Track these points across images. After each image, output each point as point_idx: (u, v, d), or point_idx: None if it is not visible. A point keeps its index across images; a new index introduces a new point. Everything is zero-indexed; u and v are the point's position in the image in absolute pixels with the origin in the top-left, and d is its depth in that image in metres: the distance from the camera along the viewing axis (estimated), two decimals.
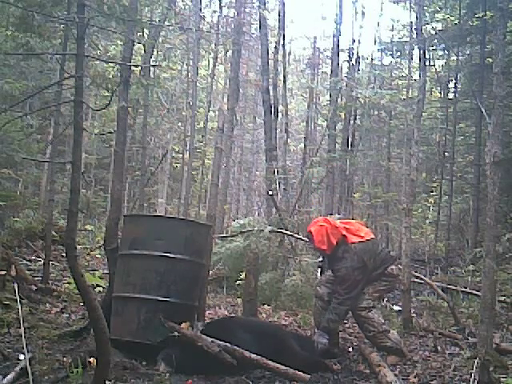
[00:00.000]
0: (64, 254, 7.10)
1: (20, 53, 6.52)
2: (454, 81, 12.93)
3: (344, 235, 4.33)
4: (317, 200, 17.18)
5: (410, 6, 13.46)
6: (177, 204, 15.75)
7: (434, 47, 12.98)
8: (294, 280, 6.69)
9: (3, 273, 5.18)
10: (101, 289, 5.86)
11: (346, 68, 13.25)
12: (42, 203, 11.60)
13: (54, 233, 7.25)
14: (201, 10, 13.05)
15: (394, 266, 4.53)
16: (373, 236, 4.50)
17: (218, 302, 6.55)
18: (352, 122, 12.03)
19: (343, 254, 4.27)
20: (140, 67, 9.86)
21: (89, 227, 11.46)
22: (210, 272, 6.11)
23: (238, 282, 6.71)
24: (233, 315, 5.80)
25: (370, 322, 4.31)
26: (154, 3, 10.42)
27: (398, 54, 14.50)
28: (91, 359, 3.33)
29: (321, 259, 4.71)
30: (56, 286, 6.20)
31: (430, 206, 13.62)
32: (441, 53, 14.15)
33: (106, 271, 5.56)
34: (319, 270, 4.76)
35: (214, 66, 13.58)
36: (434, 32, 12.25)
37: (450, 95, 13.73)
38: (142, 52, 10.91)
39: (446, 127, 12.38)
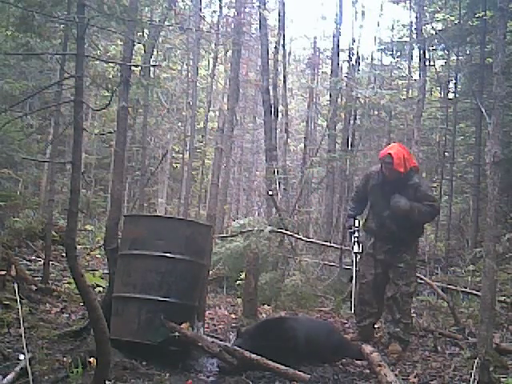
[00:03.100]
0: (64, 254, 7.09)
1: (20, 53, 6.51)
2: (454, 81, 12.91)
3: (415, 164, 4.66)
4: (317, 200, 17.17)
5: (410, 6, 13.51)
6: (177, 204, 15.77)
7: (434, 47, 12.96)
8: (293, 280, 6.70)
9: (3, 273, 5.17)
10: (101, 289, 5.86)
11: (346, 68, 13.26)
12: (42, 203, 11.59)
13: (54, 233, 7.24)
14: (201, 9, 13.06)
15: None
16: None
17: (218, 302, 6.55)
18: (352, 122, 12.00)
19: (419, 179, 4.67)
20: (140, 67, 9.85)
21: (89, 227, 11.46)
22: (210, 272, 6.10)
23: (238, 281, 6.71)
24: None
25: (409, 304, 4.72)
26: (154, 3, 10.42)
27: (398, 54, 14.49)
28: (91, 359, 3.31)
29: (356, 248, 4.84)
30: (56, 286, 6.19)
31: None
32: (441, 53, 14.13)
33: (106, 271, 5.55)
34: (356, 245, 4.84)
35: (214, 66, 13.59)
36: (434, 32, 12.23)
37: (450, 95, 13.71)
38: (142, 52, 10.90)
39: (446, 127, 12.36)
